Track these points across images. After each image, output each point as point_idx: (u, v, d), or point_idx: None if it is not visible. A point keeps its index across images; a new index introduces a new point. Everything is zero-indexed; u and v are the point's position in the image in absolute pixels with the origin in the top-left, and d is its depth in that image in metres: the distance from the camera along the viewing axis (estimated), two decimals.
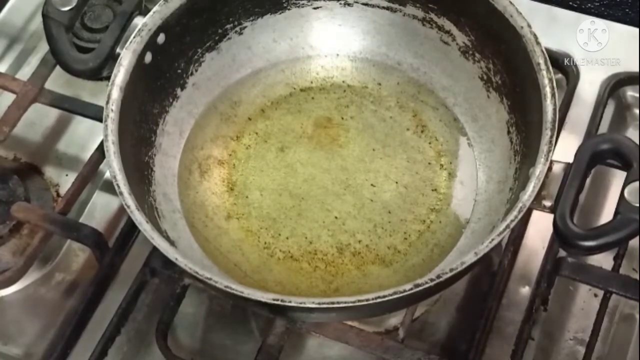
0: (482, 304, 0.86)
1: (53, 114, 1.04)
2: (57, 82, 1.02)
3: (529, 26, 0.81)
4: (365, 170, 0.91)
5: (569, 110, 0.97)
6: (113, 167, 0.78)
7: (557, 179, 0.76)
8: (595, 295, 0.88)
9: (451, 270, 0.71)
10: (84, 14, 0.94)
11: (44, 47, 0.95)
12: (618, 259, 0.85)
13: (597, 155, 0.76)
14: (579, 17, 1.03)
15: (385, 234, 0.88)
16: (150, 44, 0.84)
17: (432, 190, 0.90)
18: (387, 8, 0.94)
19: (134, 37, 0.83)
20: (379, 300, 0.70)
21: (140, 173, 0.85)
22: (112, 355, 0.87)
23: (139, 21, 0.85)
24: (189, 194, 0.89)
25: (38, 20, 1.09)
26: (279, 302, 0.71)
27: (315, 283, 0.85)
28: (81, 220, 0.96)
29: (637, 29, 1.01)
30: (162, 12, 0.85)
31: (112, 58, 0.84)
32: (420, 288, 0.70)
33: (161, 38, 0.85)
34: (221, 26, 0.93)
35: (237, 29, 0.94)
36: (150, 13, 0.84)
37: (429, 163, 0.92)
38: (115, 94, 0.81)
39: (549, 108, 0.78)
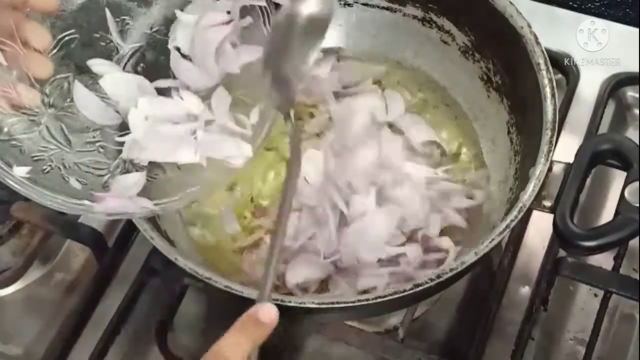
0: (482, 304, 0.86)
1: None
2: None
3: (529, 26, 0.81)
4: None
5: (569, 111, 0.97)
6: None
7: (557, 179, 0.76)
8: (595, 295, 0.88)
9: (451, 270, 0.71)
10: None
11: None
12: (618, 259, 0.85)
13: (597, 155, 0.76)
14: (579, 17, 1.04)
15: None
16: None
17: None
18: (387, 8, 0.94)
19: None
20: (379, 300, 0.70)
21: None
22: (112, 354, 0.87)
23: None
24: None
25: None
26: (278, 302, 0.71)
27: None
28: (81, 220, 0.96)
29: (637, 29, 1.01)
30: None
31: None
32: (420, 288, 0.70)
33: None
34: None
35: None
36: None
37: None
38: None
39: (549, 108, 0.78)
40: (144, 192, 0.78)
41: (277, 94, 0.72)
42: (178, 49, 0.82)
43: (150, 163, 0.80)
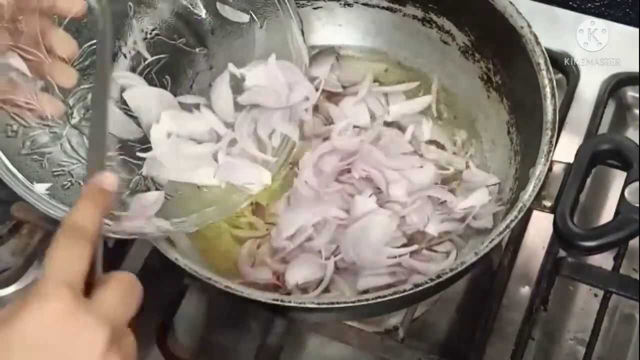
0: (482, 304, 0.86)
1: None
2: None
3: (529, 26, 0.81)
4: None
5: (569, 111, 0.97)
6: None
7: (557, 179, 0.76)
8: (595, 295, 0.88)
9: (451, 270, 0.71)
10: None
11: None
12: (618, 259, 0.85)
13: (597, 156, 0.76)
14: (579, 17, 1.03)
15: None
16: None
17: None
18: (387, 8, 0.94)
19: None
20: (379, 300, 0.70)
21: None
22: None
23: None
24: None
25: None
26: (278, 302, 0.71)
27: None
28: None
29: (637, 29, 1.01)
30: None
31: None
32: (420, 288, 0.70)
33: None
34: None
35: None
36: None
37: None
38: None
39: (549, 108, 0.78)
40: (160, 211, 0.78)
41: None
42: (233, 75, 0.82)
43: (168, 181, 0.80)
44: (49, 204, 0.72)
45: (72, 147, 0.76)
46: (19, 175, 0.71)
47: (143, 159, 0.79)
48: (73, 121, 0.77)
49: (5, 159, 0.71)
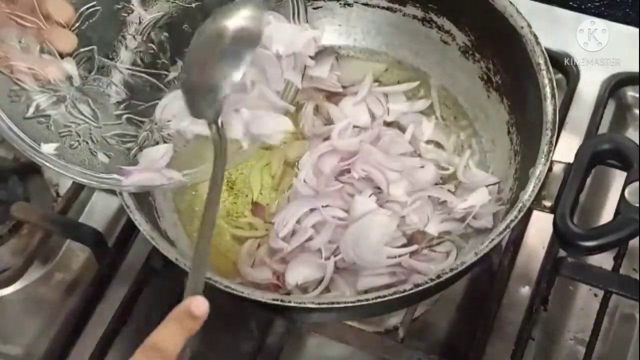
0: (482, 304, 0.86)
1: None
2: None
3: (529, 26, 0.81)
4: None
5: (569, 111, 0.97)
6: None
7: (557, 179, 0.76)
8: (595, 295, 0.88)
9: (451, 270, 0.71)
10: None
11: None
12: (618, 259, 0.85)
13: (597, 155, 0.76)
14: (579, 17, 1.04)
15: None
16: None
17: None
18: (387, 8, 0.94)
19: None
20: (379, 300, 0.70)
21: None
22: (111, 354, 0.87)
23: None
24: (189, 193, 0.89)
25: None
26: (278, 302, 0.71)
27: None
28: (81, 220, 0.96)
29: (637, 29, 1.01)
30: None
31: None
32: (420, 288, 0.70)
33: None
34: None
35: None
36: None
37: None
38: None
39: (549, 108, 0.78)
40: (171, 164, 0.78)
41: (203, 102, 0.73)
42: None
43: (177, 134, 0.80)
44: (58, 164, 0.73)
45: (77, 108, 0.77)
46: (26, 138, 0.72)
47: (148, 117, 0.80)
48: (76, 84, 0.78)
49: (11, 123, 0.72)
